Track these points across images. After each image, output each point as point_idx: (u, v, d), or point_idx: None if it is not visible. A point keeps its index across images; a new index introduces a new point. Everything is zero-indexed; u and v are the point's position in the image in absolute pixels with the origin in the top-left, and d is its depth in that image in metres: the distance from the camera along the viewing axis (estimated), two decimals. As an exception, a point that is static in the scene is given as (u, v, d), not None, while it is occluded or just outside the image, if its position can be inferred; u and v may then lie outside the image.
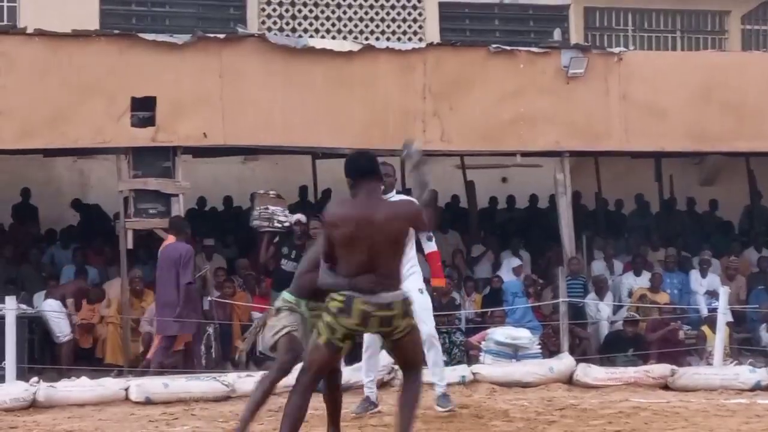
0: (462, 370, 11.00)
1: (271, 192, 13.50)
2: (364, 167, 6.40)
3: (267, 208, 13.25)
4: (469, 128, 14.12)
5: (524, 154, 14.77)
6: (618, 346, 13.77)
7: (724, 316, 12.10)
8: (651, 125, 14.46)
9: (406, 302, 6.28)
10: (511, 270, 15.16)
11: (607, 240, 16.21)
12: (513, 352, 12.20)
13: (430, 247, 8.83)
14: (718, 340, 11.94)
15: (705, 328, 13.78)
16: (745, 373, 10.84)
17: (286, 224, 13.32)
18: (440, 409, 8.81)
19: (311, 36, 17.81)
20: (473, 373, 10.86)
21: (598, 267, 15.51)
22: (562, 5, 19.64)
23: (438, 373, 8.91)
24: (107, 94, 13.00)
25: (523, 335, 12.55)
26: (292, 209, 13.84)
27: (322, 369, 6.32)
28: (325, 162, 16.03)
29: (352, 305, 6.11)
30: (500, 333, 12.43)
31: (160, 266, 12.32)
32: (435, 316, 13.23)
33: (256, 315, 13.51)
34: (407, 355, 6.39)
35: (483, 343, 12.49)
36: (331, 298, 6.19)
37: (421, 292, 8.61)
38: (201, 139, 13.33)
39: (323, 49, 13.66)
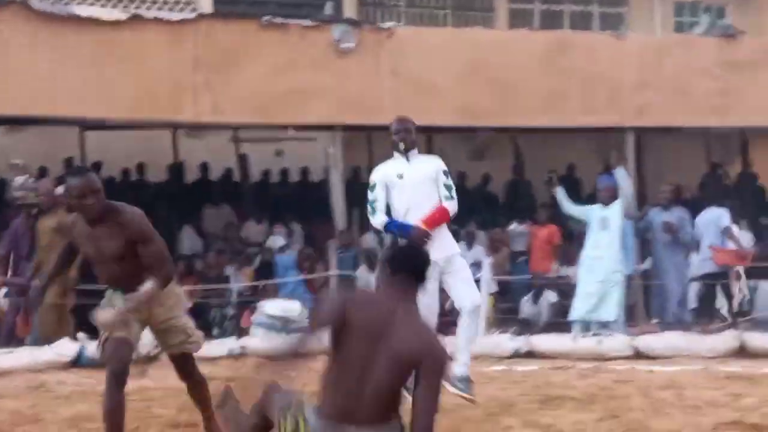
0: (230, 343, 10.98)
1: (16, 161, 13.06)
2: (411, 266, 5.20)
3: (23, 178, 12.80)
4: (242, 101, 14.02)
5: (297, 128, 14.81)
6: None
7: (487, 287, 12.49)
8: (421, 100, 14.69)
9: None
10: (283, 244, 15.19)
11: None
12: (284, 325, 12.25)
13: (448, 203, 7.68)
14: (482, 309, 12.27)
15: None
16: (505, 342, 11.25)
17: (34, 195, 12.89)
18: (454, 390, 7.47)
19: (78, 3, 17.28)
20: (241, 347, 10.86)
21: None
22: (336, -21, 19.74)
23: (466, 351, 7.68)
24: None
25: (293, 308, 12.63)
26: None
27: None
28: (93, 134, 15.63)
29: None
30: (271, 306, 12.46)
31: None
32: (205, 290, 13.25)
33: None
34: None
35: (253, 316, 12.49)
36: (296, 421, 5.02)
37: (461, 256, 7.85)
38: (-41, 109, 12.82)
39: (90, 18, 13.29)
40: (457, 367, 7.51)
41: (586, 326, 11.98)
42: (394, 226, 7.68)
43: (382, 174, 7.79)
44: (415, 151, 7.89)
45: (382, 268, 5.26)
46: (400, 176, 7.66)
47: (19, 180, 12.29)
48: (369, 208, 7.81)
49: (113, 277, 6.33)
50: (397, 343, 4.84)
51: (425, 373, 4.81)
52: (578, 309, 12.15)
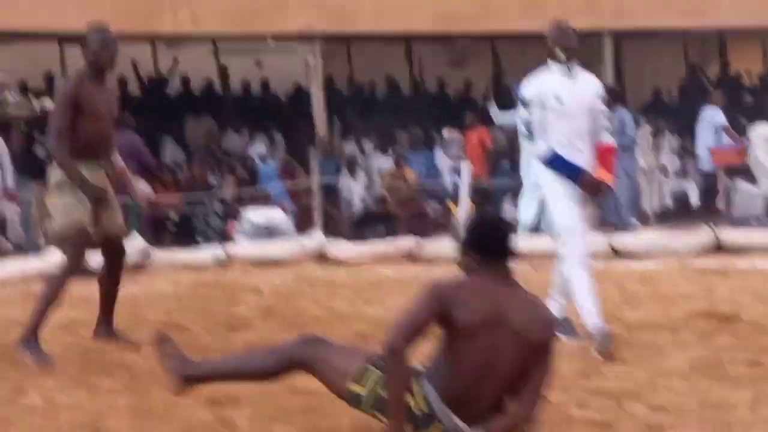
0: (216, 250, 11.17)
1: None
2: (496, 243, 4.40)
3: (16, 95, 12.89)
4: (220, 11, 14.08)
5: (276, 38, 14.85)
6: (369, 225, 14.21)
7: (466, 191, 12.67)
8: (400, 8, 14.77)
9: None
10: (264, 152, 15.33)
11: (359, 122, 16.56)
12: (268, 232, 12.43)
13: (607, 138, 6.65)
14: (461, 213, 12.50)
15: (451, 204, 14.35)
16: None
17: (28, 112, 13.00)
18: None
19: None
20: (227, 253, 11.04)
21: (350, 148, 15.84)
22: None
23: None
24: None
25: (277, 215, 12.81)
26: (39, 97, 13.51)
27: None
28: (73, 49, 15.61)
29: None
30: (255, 214, 12.63)
31: None
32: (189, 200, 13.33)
33: (7, 205, 13.25)
34: None
35: (237, 224, 12.66)
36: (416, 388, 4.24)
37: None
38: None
39: (67, -71, 13.27)
40: (591, 325, 6.44)
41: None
42: (560, 164, 6.45)
43: (536, 91, 6.51)
44: (576, 64, 6.56)
45: (465, 251, 4.41)
46: (558, 99, 6.40)
47: (13, 98, 12.36)
48: (523, 128, 6.62)
49: (107, 138, 6.51)
50: (523, 330, 4.22)
51: (548, 351, 4.33)
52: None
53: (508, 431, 4.24)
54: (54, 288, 6.30)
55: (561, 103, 6.40)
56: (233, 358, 5.15)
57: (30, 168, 12.53)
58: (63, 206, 6.26)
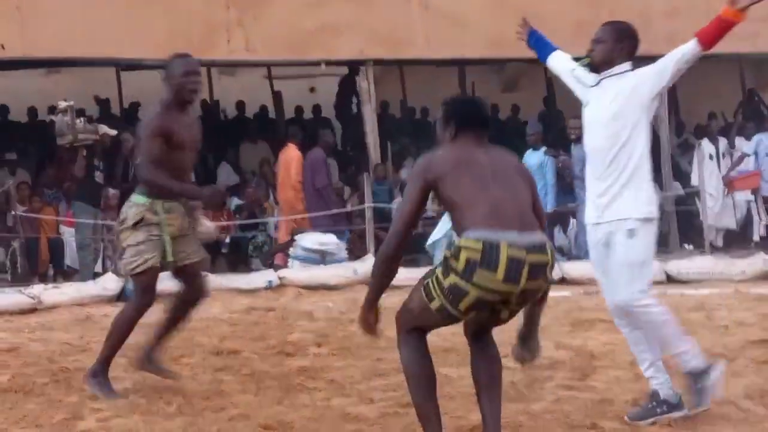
0: (269, 275, 11.24)
1: (64, 103, 13.25)
2: (472, 114, 4.81)
3: (75, 120, 13.04)
4: (274, 38, 14.20)
5: (329, 63, 14.94)
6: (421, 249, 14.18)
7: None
8: (452, 33, 14.80)
9: (553, 252, 4.59)
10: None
11: (412, 147, 16.59)
12: (321, 258, 12.46)
13: None
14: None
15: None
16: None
17: (94, 137, 13.15)
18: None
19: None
20: (280, 278, 11.10)
21: (403, 173, 15.86)
22: None
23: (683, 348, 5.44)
24: None
25: (330, 240, 12.83)
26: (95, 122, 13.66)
27: (425, 329, 4.66)
28: (130, 74, 15.86)
29: (497, 251, 4.33)
30: (307, 239, 12.66)
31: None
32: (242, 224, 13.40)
33: (65, 229, 13.44)
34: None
35: (291, 249, 12.70)
36: (458, 249, 4.38)
37: (631, 235, 5.33)
38: (-1, 51, 13.05)
39: (125, -41, 13.47)
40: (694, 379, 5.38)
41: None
42: None
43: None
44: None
45: (443, 126, 4.78)
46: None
47: (79, 122, 12.53)
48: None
49: (189, 168, 6.45)
50: (500, 161, 4.68)
51: (528, 174, 4.84)
52: None
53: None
54: (125, 324, 6.22)
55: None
56: None
57: (90, 194, 12.70)
58: (137, 246, 6.15)
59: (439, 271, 4.47)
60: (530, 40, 6.28)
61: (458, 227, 4.49)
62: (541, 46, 6.21)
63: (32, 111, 16.44)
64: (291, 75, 17.63)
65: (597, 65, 5.54)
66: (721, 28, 5.39)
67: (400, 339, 4.62)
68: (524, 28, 6.30)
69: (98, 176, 12.91)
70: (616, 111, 5.38)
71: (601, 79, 5.51)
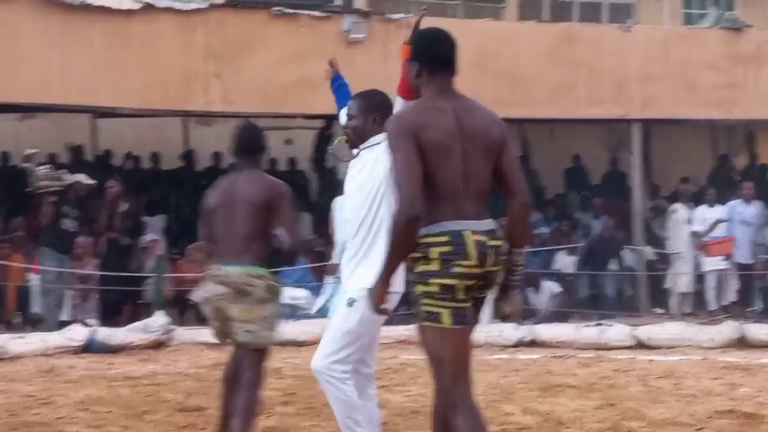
0: (238, 330, 11.14)
1: (30, 150, 13.15)
2: (440, 53, 4.60)
3: (47, 167, 13.00)
4: (252, 90, 14.22)
5: (306, 117, 14.96)
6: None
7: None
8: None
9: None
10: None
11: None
12: (291, 312, 12.41)
13: None
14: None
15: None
16: (509, 330, 11.39)
17: (66, 183, 13.09)
18: None
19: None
20: (249, 333, 11.00)
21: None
22: (346, -30, 19.88)
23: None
24: None
25: (301, 295, 12.81)
26: (67, 169, 13.62)
27: (463, 359, 4.49)
28: (104, 122, 15.83)
29: (463, 239, 4.28)
30: (277, 293, 12.58)
31: None
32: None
33: (32, 277, 13.30)
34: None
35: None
36: (426, 247, 4.27)
37: (350, 304, 5.36)
38: (-28, 97, 13.01)
39: (102, 7, 13.45)
40: None
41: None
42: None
43: None
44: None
45: (413, 71, 4.57)
46: None
47: (42, 169, 12.49)
48: None
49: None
50: (483, 131, 4.49)
51: (508, 142, 4.57)
52: None
53: (525, 218, 4.53)
54: (255, 400, 5.91)
55: None
56: None
57: (57, 240, 12.62)
58: (273, 318, 5.88)
59: (419, 290, 4.31)
60: (333, 84, 6.31)
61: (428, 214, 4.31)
62: (341, 95, 6.22)
63: (5, 156, 16.30)
64: (267, 126, 17.60)
65: (352, 146, 5.54)
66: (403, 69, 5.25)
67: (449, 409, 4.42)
68: (331, 69, 6.32)
69: (68, 224, 12.84)
70: (361, 182, 5.39)
71: (360, 151, 5.49)
